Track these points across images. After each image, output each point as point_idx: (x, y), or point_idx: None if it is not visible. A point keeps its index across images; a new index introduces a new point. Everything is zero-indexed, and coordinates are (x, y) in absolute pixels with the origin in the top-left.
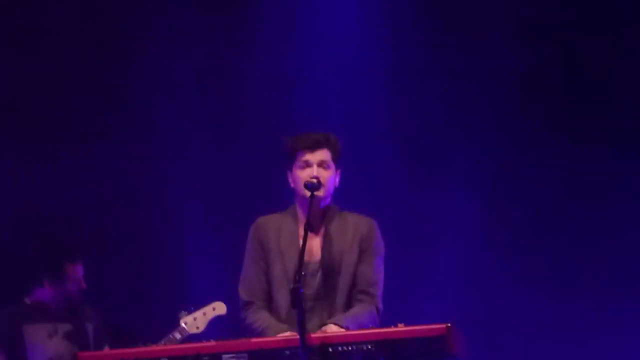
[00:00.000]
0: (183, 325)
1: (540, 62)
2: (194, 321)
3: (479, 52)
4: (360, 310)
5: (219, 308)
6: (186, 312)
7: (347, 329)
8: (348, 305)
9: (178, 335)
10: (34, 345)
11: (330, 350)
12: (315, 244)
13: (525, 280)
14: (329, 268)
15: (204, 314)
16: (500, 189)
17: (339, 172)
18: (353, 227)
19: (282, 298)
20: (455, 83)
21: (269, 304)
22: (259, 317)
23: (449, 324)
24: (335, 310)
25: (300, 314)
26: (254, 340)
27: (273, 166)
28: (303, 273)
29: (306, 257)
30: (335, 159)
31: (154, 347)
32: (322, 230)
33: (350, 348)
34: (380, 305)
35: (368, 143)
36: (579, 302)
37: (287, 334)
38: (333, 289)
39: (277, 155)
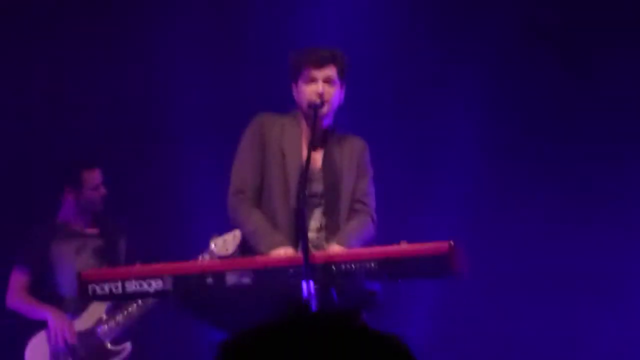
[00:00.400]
0: (212, 247)
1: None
2: (223, 243)
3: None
4: (359, 222)
5: (238, 236)
6: (217, 234)
7: (351, 247)
8: (343, 218)
9: (207, 257)
10: (62, 263)
11: (334, 268)
12: (316, 155)
13: (528, 204)
14: (328, 178)
15: (234, 236)
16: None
17: (344, 87)
18: (350, 144)
19: (281, 206)
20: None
21: (259, 197)
22: (253, 216)
23: (452, 242)
24: (333, 224)
25: (303, 235)
26: (258, 258)
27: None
28: (306, 192)
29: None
30: (341, 75)
31: (157, 265)
32: (324, 141)
33: (353, 266)
34: (375, 216)
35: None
36: (574, 221)
37: (282, 251)
38: (335, 198)
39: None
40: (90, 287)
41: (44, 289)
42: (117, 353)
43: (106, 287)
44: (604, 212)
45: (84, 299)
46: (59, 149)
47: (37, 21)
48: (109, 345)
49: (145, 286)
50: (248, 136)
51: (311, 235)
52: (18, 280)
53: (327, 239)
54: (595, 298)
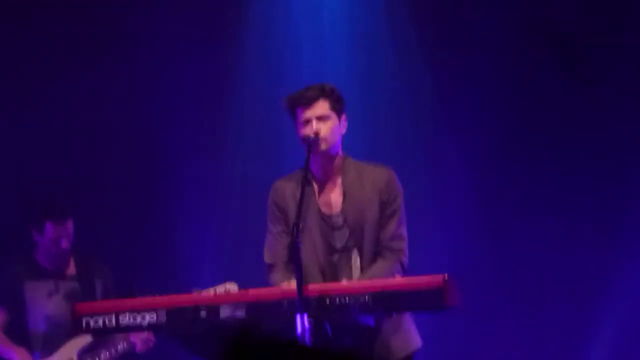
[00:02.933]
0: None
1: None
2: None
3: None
4: (380, 267)
5: (231, 288)
6: (199, 289)
7: None
8: (375, 258)
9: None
10: (34, 303)
11: (328, 301)
12: (334, 196)
13: (525, 231)
14: (351, 221)
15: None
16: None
17: (344, 117)
18: (371, 179)
19: (309, 261)
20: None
21: (289, 262)
22: (277, 276)
23: (446, 276)
24: (367, 262)
25: (297, 266)
26: (251, 292)
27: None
28: (326, 224)
29: (326, 211)
30: (336, 107)
31: (151, 299)
32: (338, 181)
33: (347, 300)
34: (405, 259)
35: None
36: (577, 255)
37: (285, 283)
38: (359, 242)
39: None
40: (84, 320)
41: (16, 328)
42: None
43: (100, 320)
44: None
45: (77, 332)
46: (39, 180)
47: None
48: None
49: (138, 319)
50: (269, 209)
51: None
52: None
53: None
54: (592, 329)
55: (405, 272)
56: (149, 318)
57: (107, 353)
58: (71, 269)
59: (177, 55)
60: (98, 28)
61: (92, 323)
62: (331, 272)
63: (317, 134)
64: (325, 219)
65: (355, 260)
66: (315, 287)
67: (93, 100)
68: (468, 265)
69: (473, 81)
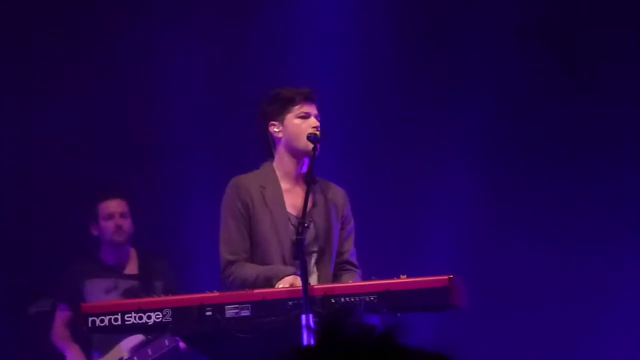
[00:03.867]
0: None
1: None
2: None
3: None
4: (352, 278)
5: (295, 282)
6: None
7: None
8: (332, 268)
9: None
10: (92, 300)
11: (333, 301)
12: (298, 198)
13: (527, 231)
14: (318, 227)
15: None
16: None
17: None
18: (333, 194)
19: (274, 249)
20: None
21: (252, 257)
22: (249, 267)
23: (452, 276)
24: (325, 268)
25: (302, 265)
26: (257, 291)
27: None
28: (306, 225)
29: (293, 212)
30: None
31: (156, 298)
32: (310, 188)
33: (352, 299)
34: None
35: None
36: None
37: (291, 278)
38: (321, 248)
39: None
40: (90, 319)
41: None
42: None
43: (106, 319)
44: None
45: (84, 331)
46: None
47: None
48: None
49: (144, 319)
50: (228, 204)
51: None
52: (59, 317)
53: None
54: (594, 329)
55: None
56: (155, 317)
57: (153, 350)
58: (132, 268)
59: (182, 51)
60: (106, 28)
61: (97, 322)
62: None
63: (317, 128)
64: (291, 220)
65: (314, 265)
66: (320, 286)
67: (97, 101)
68: (471, 267)
69: (474, 81)
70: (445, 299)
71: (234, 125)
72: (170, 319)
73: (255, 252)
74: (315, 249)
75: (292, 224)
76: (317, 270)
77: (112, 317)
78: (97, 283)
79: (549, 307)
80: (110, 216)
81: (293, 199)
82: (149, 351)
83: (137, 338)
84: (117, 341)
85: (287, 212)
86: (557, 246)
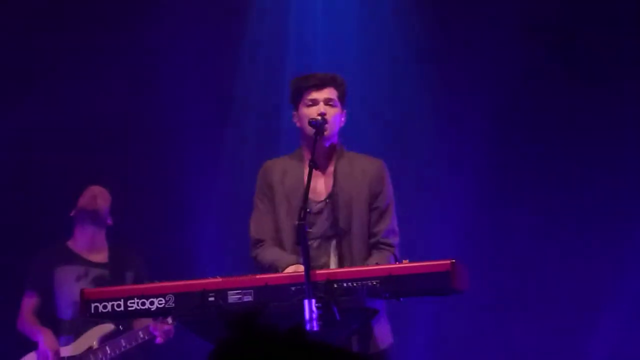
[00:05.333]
0: None
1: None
2: None
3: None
4: (379, 259)
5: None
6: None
7: None
8: (364, 249)
9: None
10: (62, 288)
11: (336, 286)
12: (321, 183)
13: (530, 217)
14: (338, 208)
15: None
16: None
17: (344, 112)
18: (361, 168)
19: (287, 237)
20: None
21: (279, 243)
22: (268, 252)
23: (454, 260)
24: (349, 252)
25: (304, 250)
26: (259, 276)
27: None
28: (308, 210)
29: (311, 196)
30: (342, 98)
31: (159, 284)
32: (330, 169)
33: (355, 284)
34: (398, 255)
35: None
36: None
37: (293, 267)
38: (343, 230)
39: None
40: (92, 305)
41: (46, 312)
42: None
43: (109, 305)
44: (606, 222)
45: (86, 317)
46: (67, 165)
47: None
48: None
49: (147, 304)
50: (257, 187)
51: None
52: (26, 303)
53: None
54: (597, 314)
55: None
56: (158, 303)
57: (126, 341)
58: (103, 257)
59: (184, 49)
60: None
61: (100, 308)
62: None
63: (323, 115)
64: (310, 205)
65: (334, 249)
66: (323, 271)
67: (105, 93)
68: (472, 255)
69: (477, 76)
70: (448, 283)
71: (233, 114)
72: (173, 305)
73: (278, 236)
74: (333, 232)
75: (311, 210)
76: (338, 254)
77: (115, 303)
78: (67, 270)
79: (551, 294)
80: (94, 197)
81: (313, 182)
82: (122, 342)
83: (107, 327)
84: (85, 330)
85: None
86: (561, 232)
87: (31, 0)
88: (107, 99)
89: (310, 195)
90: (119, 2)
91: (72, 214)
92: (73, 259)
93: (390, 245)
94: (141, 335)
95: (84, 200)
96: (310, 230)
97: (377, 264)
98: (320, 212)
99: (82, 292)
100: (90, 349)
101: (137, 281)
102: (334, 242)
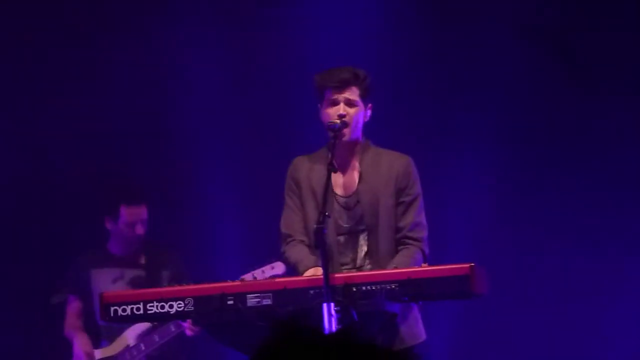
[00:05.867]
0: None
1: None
2: (252, 278)
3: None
4: (404, 257)
5: (277, 268)
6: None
7: None
8: (392, 244)
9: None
10: (99, 291)
11: (354, 289)
12: (347, 178)
13: (548, 220)
14: (365, 203)
15: (263, 271)
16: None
17: (370, 106)
18: (388, 164)
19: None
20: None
21: (315, 248)
22: (294, 250)
23: (473, 264)
24: (376, 247)
25: (323, 254)
26: (278, 280)
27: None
28: (327, 214)
29: (339, 192)
30: (364, 95)
31: (178, 287)
32: (355, 164)
33: (374, 288)
34: (426, 248)
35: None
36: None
37: (312, 271)
38: (371, 225)
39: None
40: (112, 308)
41: (89, 316)
42: None
43: (128, 309)
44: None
45: (105, 321)
46: (111, 172)
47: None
48: None
49: (166, 308)
50: (286, 183)
51: (359, 262)
52: (69, 309)
53: (371, 266)
54: (620, 310)
55: (426, 260)
56: (177, 306)
57: (159, 337)
58: (140, 258)
59: (201, 41)
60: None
61: (120, 311)
62: (337, 252)
63: (342, 117)
64: (338, 199)
65: (363, 244)
66: (341, 275)
67: (123, 88)
68: (491, 258)
69: (493, 74)
70: (467, 287)
71: (250, 112)
72: (192, 308)
73: (307, 231)
74: (363, 227)
75: (339, 205)
76: (366, 249)
77: (134, 307)
78: (104, 273)
79: (568, 296)
80: (132, 224)
81: (340, 178)
82: (156, 337)
83: (143, 326)
84: (124, 330)
85: (333, 191)
86: (579, 236)
87: (63, 6)
88: (133, 101)
89: (337, 191)
90: (135, 3)
91: (108, 227)
92: (109, 261)
93: (416, 239)
94: (173, 329)
95: (126, 233)
96: (341, 224)
97: (395, 267)
98: (347, 207)
99: (101, 295)
100: (126, 347)
101: (173, 280)
102: (361, 238)
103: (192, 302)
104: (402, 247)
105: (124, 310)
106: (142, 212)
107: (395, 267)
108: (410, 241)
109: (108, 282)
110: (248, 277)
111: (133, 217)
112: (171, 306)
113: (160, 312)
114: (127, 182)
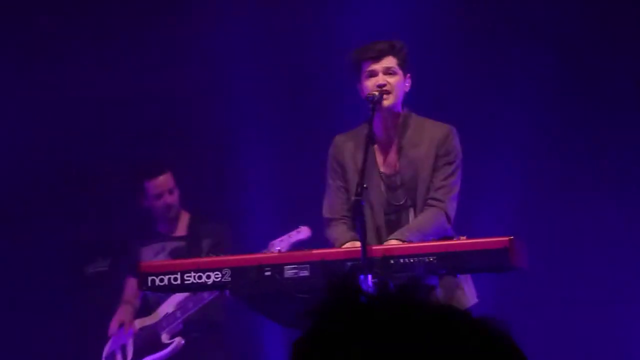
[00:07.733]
0: (270, 246)
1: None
2: (279, 242)
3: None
4: (426, 217)
5: (303, 231)
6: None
7: (410, 242)
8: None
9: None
10: None
11: (392, 262)
12: (393, 155)
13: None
14: (407, 178)
15: (289, 236)
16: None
17: (408, 76)
18: (430, 134)
19: (368, 219)
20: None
21: (353, 221)
22: (334, 230)
23: (512, 237)
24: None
25: (361, 226)
26: (315, 251)
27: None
28: (365, 186)
29: (386, 170)
30: (402, 65)
31: (216, 258)
32: (396, 139)
33: (411, 260)
34: (450, 212)
35: None
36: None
37: (350, 243)
38: (414, 199)
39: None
40: (149, 278)
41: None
42: (168, 345)
43: (165, 279)
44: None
45: (142, 290)
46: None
47: (86, 26)
48: (163, 338)
49: (204, 278)
50: (328, 165)
51: None
52: (126, 288)
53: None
54: None
55: (450, 223)
56: (214, 277)
57: (193, 304)
58: (182, 229)
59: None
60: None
61: (157, 282)
62: (388, 231)
63: (382, 86)
64: (384, 178)
65: (411, 219)
66: (379, 247)
67: (155, 70)
68: (530, 230)
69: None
70: (506, 260)
71: (285, 85)
72: (230, 279)
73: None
74: (410, 203)
75: (384, 182)
76: (406, 220)
77: (172, 277)
78: (149, 249)
79: (609, 272)
80: (159, 196)
81: (385, 156)
82: (190, 304)
83: (180, 295)
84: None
85: (379, 170)
86: (623, 208)
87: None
88: (167, 71)
89: (386, 169)
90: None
91: (145, 205)
92: (153, 237)
93: (439, 199)
94: (206, 296)
95: (158, 208)
96: (392, 203)
97: (419, 224)
98: (392, 184)
99: (138, 265)
100: (165, 315)
101: (213, 250)
102: (409, 213)
103: (229, 272)
104: (427, 207)
105: (161, 280)
106: (165, 181)
107: (415, 226)
108: (434, 202)
109: (151, 257)
110: (276, 242)
111: (157, 188)
112: (208, 277)
113: (197, 282)
114: (144, 158)
